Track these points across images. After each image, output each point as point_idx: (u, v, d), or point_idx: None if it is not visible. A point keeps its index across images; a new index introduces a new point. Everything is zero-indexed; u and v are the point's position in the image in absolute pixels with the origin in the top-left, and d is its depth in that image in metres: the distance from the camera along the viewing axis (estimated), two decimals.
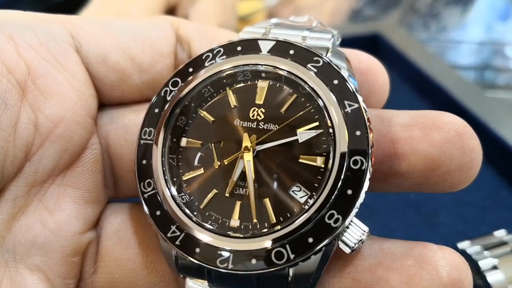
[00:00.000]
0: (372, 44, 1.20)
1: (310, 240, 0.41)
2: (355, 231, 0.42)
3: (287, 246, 0.42)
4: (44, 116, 0.46)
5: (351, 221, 0.42)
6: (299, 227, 0.42)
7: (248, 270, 0.42)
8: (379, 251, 0.44)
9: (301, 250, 0.41)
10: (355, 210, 0.41)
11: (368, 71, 0.48)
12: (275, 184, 0.45)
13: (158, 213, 0.46)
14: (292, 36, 0.48)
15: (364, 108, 0.43)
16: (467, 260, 0.68)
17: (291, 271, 0.42)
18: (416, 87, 1.10)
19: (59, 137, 0.47)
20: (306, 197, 0.44)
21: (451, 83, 1.02)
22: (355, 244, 0.41)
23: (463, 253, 0.70)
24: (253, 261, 0.42)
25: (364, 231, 0.42)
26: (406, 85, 1.12)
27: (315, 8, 1.54)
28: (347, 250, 0.42)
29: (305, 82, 0.45)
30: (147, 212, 0.46)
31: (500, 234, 0.71)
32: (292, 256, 0.41)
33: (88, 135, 0.49)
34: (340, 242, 0.42)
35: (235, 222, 0.45)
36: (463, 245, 0.70)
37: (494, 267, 0.66)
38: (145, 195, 0.46)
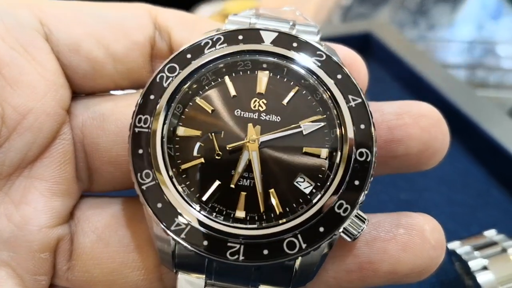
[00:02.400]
0: (364, 43, 1.20)
1: (321, 229, 0.43)
2: (356, 220, 0.44)
3: (299, 236, 0.43)
4: (11, 107, 0.44)
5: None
6: (311, 217, 0.43)
7: (260, 260, 0.42)
8: (371, 225, 0.47)
9: (313, 239, 0.43)
10: (361, 200, 0.44)
11: (352, 66, 0.51)
12: (280, 175, 0.45)
13: (159, 205, 0.44)
14: (279, 28, 0.49)
15: (367, 103, 0.46)
16: (457, 261, 0.69)
17: (297, 261, 0.43)
18: (408, 87, 1.10)
19: (27, 129, 0.45)
20: (311, 187, 0.45)
21: (443, 82, 1.02)
22: (358, 233, 0.44)
23: (453, 253, 0.70)
24: (265, 251, 0.43)
25: (365, 220, 0.44)
26: (397, 84, 1.12)
27: (299, 4, 1.53)
28: (348, 239, 0.44)
29: (312, 75, 0.46)
30: (147, 205, 0.44)
31: (490, 234, 0.71)
32: (304, 246, 0.42)
33: (58, 126, 0.47)
34: (342, 233, 0.44)
35: (240, 213, 0.45)
36: (453, 245, 0.70)
37: (484, 268, 0.65)
38: (143, 187, 0.45)
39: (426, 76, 1.04)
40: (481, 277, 0.65)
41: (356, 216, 0.44)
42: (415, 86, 1.07)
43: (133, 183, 0.47)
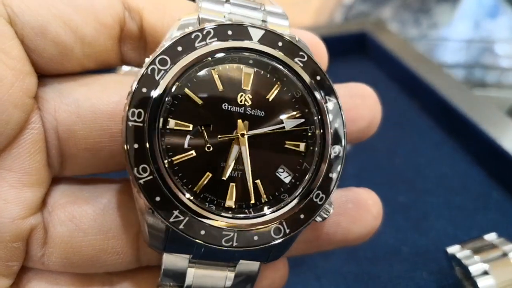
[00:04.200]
0: (359, 42, 1.18)
1: (302, 216, 0.48)
2: (327, 206, 0.49)
3: (284, 222, 0.48)
4: None
5: None
6: (294, 206, 0.48)
7: (251, 246, 0.47)
8: None
9: (295, 226, 0.48)
10: (335, 190, 0.49)
11: (316, 53, 0.54)
12: (264, 167, 0.49)
13: (157, 198, 0.45)
14: (252, 20, 0.51)
15: (341, 104, 0.50)
16: (457, 265, 0.68)
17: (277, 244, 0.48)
18: (404, 87, 1.09)
19: None
20: (290, 177, 0.49)
21: (441, 82, 1.00)
22: (326, 216, 0.49)
23: (453, 258, 0.68)
24: (255, 237, 0.47)
25: (332, 204, 0.50)
26: (394, 84, 1.10)
27: (301, 4, 1.51)
28: (318, 220, 0.49)
29: (295, 74, 0.50)
30: (146, 199, 0.44)
31: (491, 237, 0.69)
32: (288, 231, 0.48)
33: (26, 116, 0.45)
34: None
35: (230, 202, 0.48)
36: (453, 249, 0.68)
37: (485, 273, 0.64)
38: (141, 181, 0.44)
39: (422, 76, 1.03)
40: (481, 282, 0.63)
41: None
42: (411, 86, 1.06)
43: (107, 167, 0.50)
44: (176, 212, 0.45)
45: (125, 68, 0.69)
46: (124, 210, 0.49)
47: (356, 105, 0.55)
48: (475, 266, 0.65)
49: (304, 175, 0.49)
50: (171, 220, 0.45)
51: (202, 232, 0.46)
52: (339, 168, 0.50)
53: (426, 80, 1.01)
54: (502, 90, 1.25)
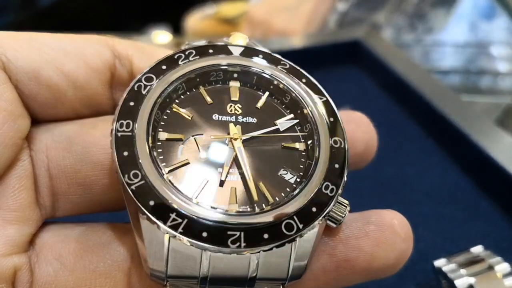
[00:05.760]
0: (352, 51, 1.18)
1: (314, 209, 0.45)
2: (339, 206, 0.47)
3: (295, 217, 0.44)
4: None
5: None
6: (303, 199, 0.45)
7: (262, 245, 0.43)
8: (343, 225, 0.49)
9: (308, 220, 0.45)
10: (344, 180, 0.47)
11: None
12: (265, 169, 0.48)
13: (151, 203, 0.42)
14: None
15: (331, 101, 0.51)
16: (443, 279, 0.67)
17: (293, 251, 0.44)
18: (396, 95, 1.08)
19: None
20: (295, 177, 0.48)
21: (430, 90, 1.00)
22: (342, 218, 0.46)
23: (439, 271, 0.68)
24: (265, 235, 0.43)
25: (347, 205, 0.47)
26: (384, 92, 1.10)
27: (292, 11, 1.51)
28: (333, 225, 0.47)
29: (281, 80, 0.51)
30: (139, 204, 0.42)
31: (477, 250, 0.69)
32: (301, 226, 0.44)
33: (14, 155, 0.46)
34: (328, 220, 0.46)
35: (233, 206, 0.46)
36: (439, 263, 0.68)
37: (471, 286, 0.64)
38: (133, 187, 0.43)
39: (413, 84, 1.02)
40: None
41: (338, 202, 0.47)
42: (401, 94, 1.06)
43: (100, 204, 0.49)
44: (173, 215, 0.42)
45: None
46: (115, 247, 0.48)
47: (351, 129, 0.54)
48: (461, 280, 0.64)
49: (308, 172, 0.48)
50: (169, 224, 0.42)
51: (204, 234, 0.42)
52: (344, 158, 0.48)
53: (417, 88, 1.01)
54: (497, 95, 1.24)
